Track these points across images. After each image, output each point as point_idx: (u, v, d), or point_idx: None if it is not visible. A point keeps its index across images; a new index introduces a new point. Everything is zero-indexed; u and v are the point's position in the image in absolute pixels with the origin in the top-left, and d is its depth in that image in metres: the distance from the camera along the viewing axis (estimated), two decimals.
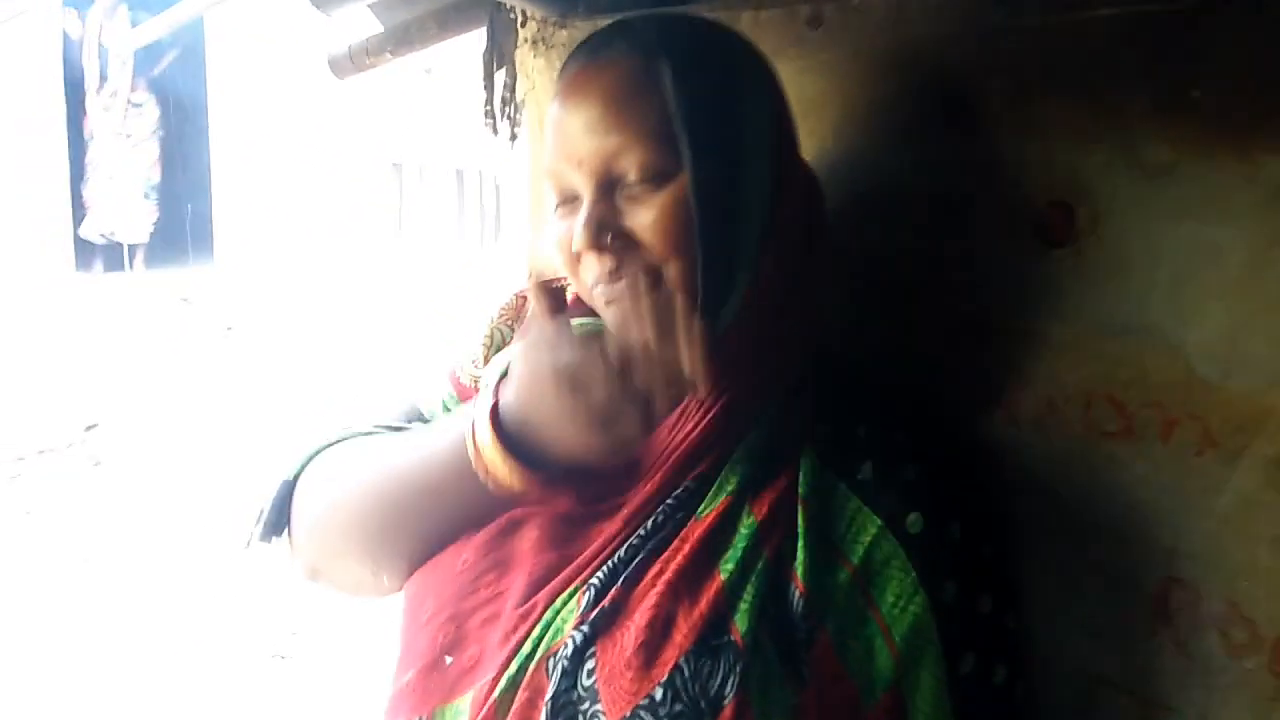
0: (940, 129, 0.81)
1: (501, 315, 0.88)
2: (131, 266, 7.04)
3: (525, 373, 0.65)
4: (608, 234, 0.68)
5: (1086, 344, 0.74)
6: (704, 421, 0.69)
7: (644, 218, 0.67)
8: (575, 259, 0.71)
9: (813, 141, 0.87)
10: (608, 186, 0.68)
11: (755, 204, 0.69)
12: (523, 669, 0.65)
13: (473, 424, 0.67)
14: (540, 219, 0.77)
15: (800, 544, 0.65)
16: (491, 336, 0.87)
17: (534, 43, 1.08)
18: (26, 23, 5.82)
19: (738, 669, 0.61)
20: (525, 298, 0.88)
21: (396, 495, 0.74)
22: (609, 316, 0.71)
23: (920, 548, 0.66)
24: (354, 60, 1.27)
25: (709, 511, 0.67)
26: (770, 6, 0.87)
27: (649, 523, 0.67)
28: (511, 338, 0.86)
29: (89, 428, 4.51)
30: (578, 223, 0.68)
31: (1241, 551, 0.68)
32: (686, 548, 0.65)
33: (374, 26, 1.27)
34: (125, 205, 6.98)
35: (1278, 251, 0.66)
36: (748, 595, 0.64)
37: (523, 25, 1.08)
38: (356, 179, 6.51)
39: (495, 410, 0.67)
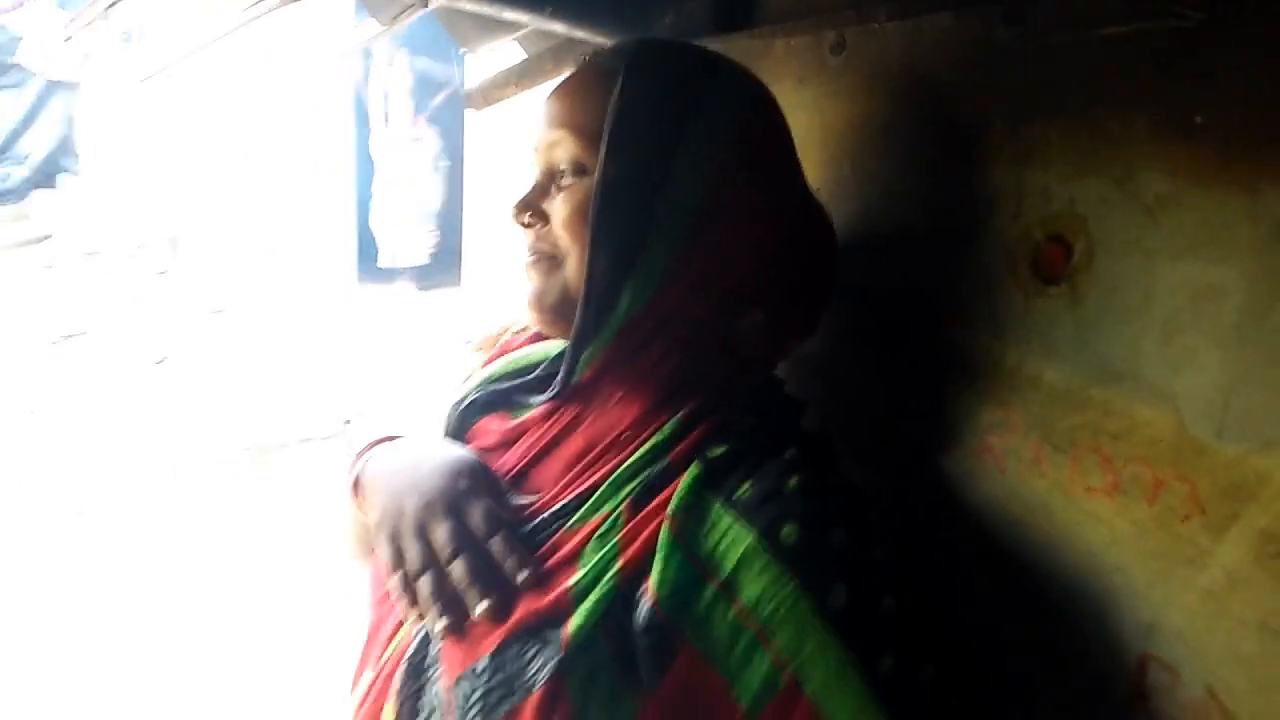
0: (946, 156, 0.77)
1: (479, 348, 0.95)
2: (403, 286, 7.77)
3: (385, 478, 0.76)
4: (526, 211, 0.74)
5: (1078, 390, 0.68)
6: (581, 446, 0.73)
7: (559, 205, 0.72)
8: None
9: (832, 168, 0.86)
10: (550, 169, 0.74)
11: (669, 224, 0.69)
12: (401, 638, 0.74)
13: (350, 475, 0.81)
14: None
15: (659, 557, 0.64)
16: (466, 367, 0.94)
17: None
18: (326, 69, 6.67)
19: (556, 661, 0.62)
20: (506, 329, 0.94)
21: (348, 523, 0.87)
22: (522, 287, 0.77)
23: (798, 556, 0.62)
24: (484, 95, 1.38)
25: (581, 526, 0.69)
26: (800, 34, 0.87)
27: (524, 529, 0.71)
28: (480, 365, 0.92)
29: (346, 422, 5.06)
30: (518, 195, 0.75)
31: (1224, 634, 0.60)
32: (551, 554, 0.68)
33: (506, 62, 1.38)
34: (407, 233, 7.69)
35: None
36: (591, 601, 0.64)
37: None
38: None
39: (359, 471, 0.80)
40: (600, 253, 0.69)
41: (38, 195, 6.75)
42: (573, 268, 0.72)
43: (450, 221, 7.66)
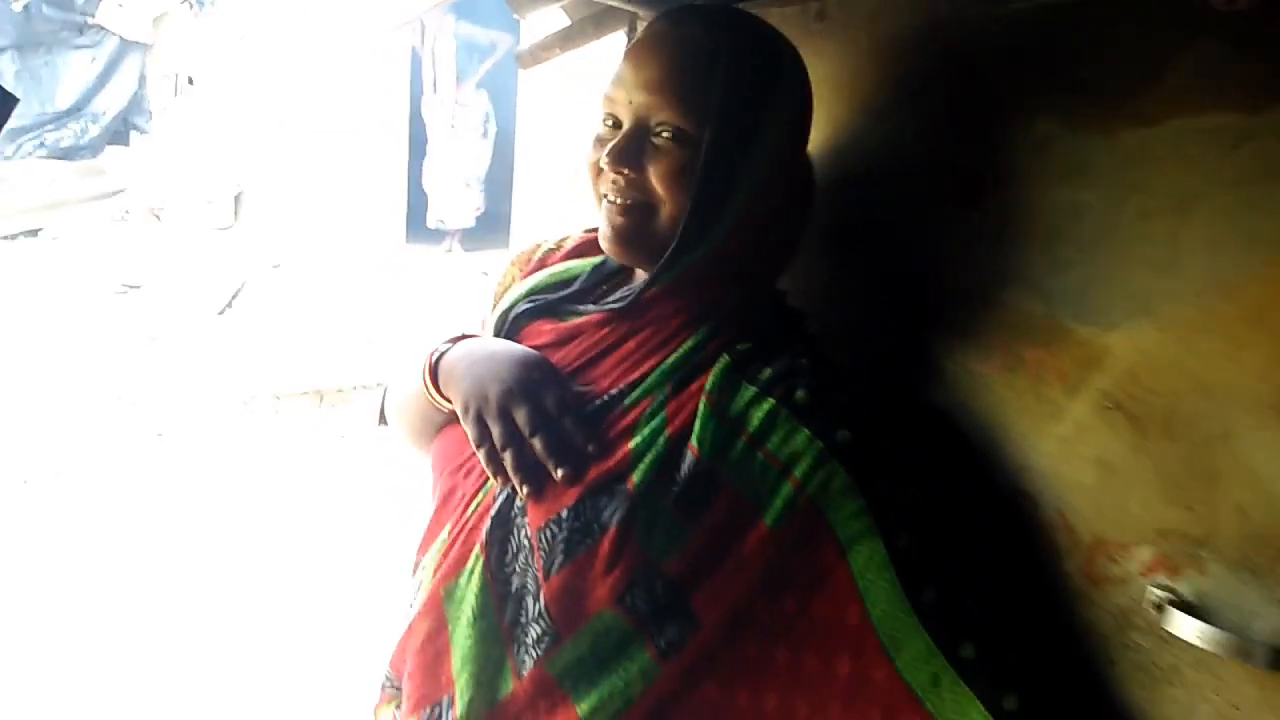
0: (898, 107, 0.95)
1: (516, 262, 1.13)
2: (450, 246, 8.03)
3: (466, 369, 0.92)
4: (627, 163, 0.85)
5: (983, 292, 0.87)
6: (631, 348, 0.90)
7: (659, 164, 0.84)
8: (598, 170, 0.89)
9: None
10: (643, 126, 0.85)
11: (747, 184, 0.86)
12: (482, 498, 0.91)
13: (425, 365, 0.96)
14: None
15: (698, 422, 0.83)
16: (505, 278, 1.12)
17: None
18: (387, 38, 6.93)
19: (623, 507, 0.81)
20: (539, 247, 1.12)
21: (414, 407, 1.03)
22: (603, 217, 0.90)
23: (810, 410, 0.81)
24: (532, 55, 1.58)
25: (634, 407, 0.87)
26: (791, 4, 1.05)
27: (587, 411, 0.88)
28: (519, 278, 1.10)
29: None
30: (612, 144, 0.86)
31: (1071, 470, 0.79)
32: (610, 428, 0.86)
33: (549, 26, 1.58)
34: (453, 195, 7.91)
35: (1124, 213, 0.76)
36: (647, 460, 0.83)
37: (638, 23, 1.33)
38: None
39: (436, 363, 0.95)
40: (698, 209, 0.85)
41: (111, 151, 7.11)
42: (666, 216, 0.86)
43: (498, 185, 7.90)
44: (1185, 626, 0.72)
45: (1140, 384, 0.75)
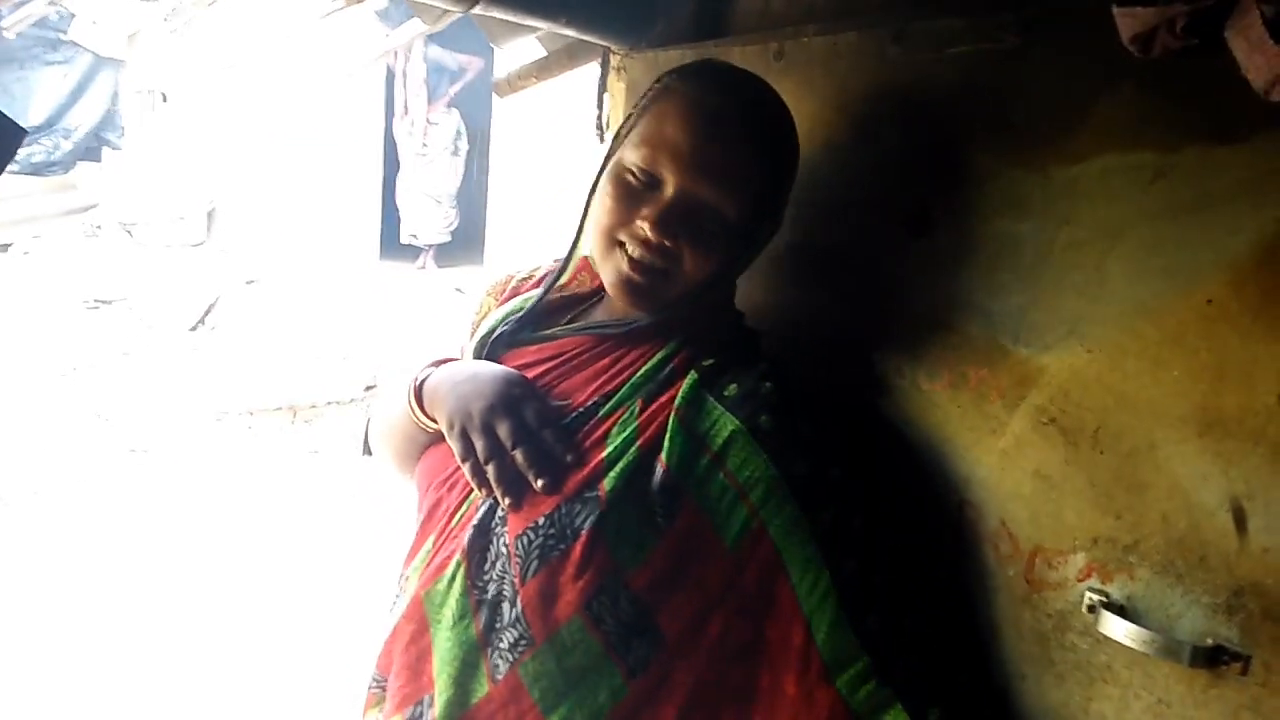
0: (852, 141, 1.01)
1: (490, 292, 1.18)
2: (424, 262, 8.04)
3: (450, 389, 0.96)
4: (672, 235, 0.89)
5: (930, 315, 0.92)
6: (605, 364, 0.96)
7: (700, 242, 0.90)
8: (629, 215, 0.91)
9: None
10: (691, 202, 0.89)
11: (756, 251, 0.96)
12: (465, 509, 0.95)
13: (410, 388, 1.00)
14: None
15: (667, 437, 0.88)
16: (481, 307, 1.16)
17: (617, 70, 1.37)
18: (366, 64, 6.97)
19: (594, 513, 0.86)
20: (511, 278, 1.17)
21: (399, 431, 1.07)
22: (618, 266, 0.93)
23: (771, 437, 0.86)
24: (510, 83, 1.63)
25: (607, 418, 0.92)
26: (752, 44, 1.11)
27: (564, 423, 0.93)
28: (494, 306, 1.14)
29: (368, 388, 5.36)
30: (661, 212, 0.89)
31: (1012, 481, 0.85)
32: (585, 438, 0.91)
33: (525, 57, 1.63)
34: (425, 212, 7.95)
35: (1056, 244, 0.82)
36: (619, 468, 0.88)
37: (611, 57, 1.38)
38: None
39: (420, 386, 0.99)
40: (718, 281, 0.93)
41: (83, 167, 7.06)
42: (684, 281, 0.91)
43: (471, 202, 7.92)
44: (1117, 628, 0.78)
45: (1072, 400, 0.81)
